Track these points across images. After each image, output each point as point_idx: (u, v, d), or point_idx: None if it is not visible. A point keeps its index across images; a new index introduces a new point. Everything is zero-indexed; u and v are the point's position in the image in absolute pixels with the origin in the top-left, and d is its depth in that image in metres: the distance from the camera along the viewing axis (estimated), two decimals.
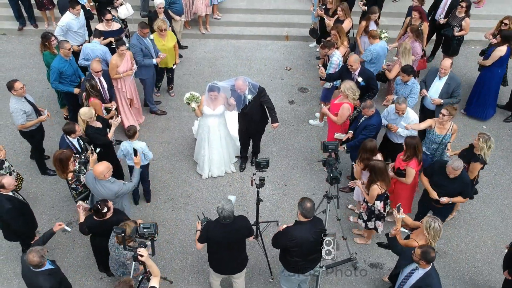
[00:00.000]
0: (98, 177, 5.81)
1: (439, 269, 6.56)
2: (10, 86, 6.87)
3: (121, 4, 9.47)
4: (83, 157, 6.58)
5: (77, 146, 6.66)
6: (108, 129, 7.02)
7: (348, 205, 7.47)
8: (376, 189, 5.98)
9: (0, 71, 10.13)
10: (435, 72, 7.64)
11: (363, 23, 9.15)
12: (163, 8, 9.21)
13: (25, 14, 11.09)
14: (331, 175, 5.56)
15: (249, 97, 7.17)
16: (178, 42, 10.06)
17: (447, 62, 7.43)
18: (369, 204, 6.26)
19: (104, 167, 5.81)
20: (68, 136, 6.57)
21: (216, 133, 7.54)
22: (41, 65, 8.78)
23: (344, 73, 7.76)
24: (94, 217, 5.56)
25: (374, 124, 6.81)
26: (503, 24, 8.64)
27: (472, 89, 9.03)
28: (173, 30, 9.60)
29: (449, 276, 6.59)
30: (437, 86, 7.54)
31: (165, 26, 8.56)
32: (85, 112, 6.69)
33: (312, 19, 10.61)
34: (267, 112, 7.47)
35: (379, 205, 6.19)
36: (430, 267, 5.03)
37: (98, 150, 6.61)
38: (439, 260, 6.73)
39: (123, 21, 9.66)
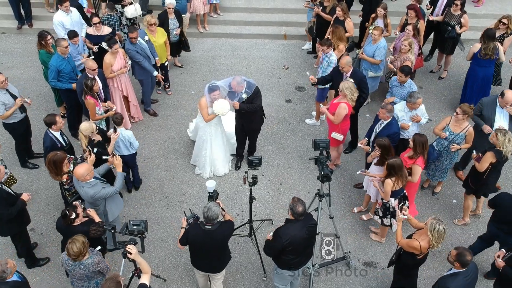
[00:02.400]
0: (79, 179, 5.70)
1: (433, 268, 6.62)
2: None
3: (130, 3, 9.45)
4: (79, 158, 6.56)
5: (61, 140, 6.63)
6: (106, 143, 6.87)
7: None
8: (390, 183, 5.98)
9: None
10: (492, 103, 7.22)
11: (372, 15, 9.23)
12: (173, 8, 9.15)
13: (22, 13, 11.11)
14: (322, 173, 5.55)
15: (244, 96, 7.16)
16: (186, 43, 9.91)
17: (511, 95, 7.09)
18: (384, 201, 6.29)
19: (85, 169, 5.68)
20: (51, 130, 6.54)
21: (219, 131, 7.58)
22: (39, 64, 8.80)
23: (336, 75, 7.75)
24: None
25: (396, 131, 6.84)
26: (501, 23, 8.58)
27: (463, 89, 9.07)
28: (182, 31, 9.57)
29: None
30: (505, 114, 7.23)
31: (154, 20, 8.53)
32: (86, 127, 6.54)
33: (308, 18, 10.58)
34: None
35: (393, 202, 6.22)
36: (464, 269, 4.96)
37: (95, 150, 6.60)
38: (433, 259, 6.71)
39: (131, 20, 9.66)
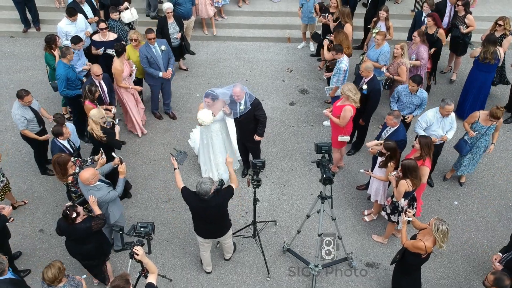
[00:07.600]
0: (84, 183, 5.80)
1: (435, 269, 6.70)
2: (20, 96, 6.95)
3: (126, 8, 9.54)
4: (89, 160, 6.69)
5: (68, 147, 6.77)
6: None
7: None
8: (405, 184, 6.06)
9: (8, 73, 10.36)
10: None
11: (374, 19, 9.29)
12: (171, 12, 9.18)
13: (29, 17, 11.27)
14: (324, 175, 5.65)
15: (242, 107, 7.00)
16: (187, 48, 9.94)
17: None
18: (394, 199, 6.39)
19: (90, 173, 5.78)
20: (59, 139, 6.67)
21: (219, 137, 7.60)
22: None
23: (358, 78, 7.87)
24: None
25: (403, 139, 6.87)
26: (497, 25, 8.62)
27: (461, 92, 9.12)
28: (183, 35, 9.66)
29: (444, 276, 6.65)
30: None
31: (135, 36, 8.35)
32: (95, 113, 6.66)
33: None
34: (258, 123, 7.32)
35: (403, 202, 6.32)
36: None
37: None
38: (435, 259, 6.80)
39: (129, 25, 9.75)
